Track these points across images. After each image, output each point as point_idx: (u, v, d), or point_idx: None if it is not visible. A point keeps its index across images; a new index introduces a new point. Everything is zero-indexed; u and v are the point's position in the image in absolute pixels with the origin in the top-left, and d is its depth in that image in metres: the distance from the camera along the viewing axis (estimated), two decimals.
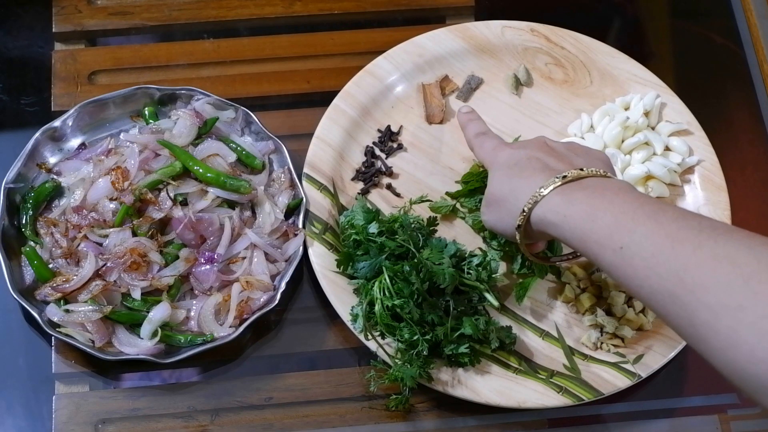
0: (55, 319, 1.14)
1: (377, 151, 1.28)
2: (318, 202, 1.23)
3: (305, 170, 1.24)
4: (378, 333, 1.15)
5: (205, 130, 1.24)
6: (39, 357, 1.17)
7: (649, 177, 1.25)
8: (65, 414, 1.15)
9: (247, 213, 1.22)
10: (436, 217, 1.21)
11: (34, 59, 1.35)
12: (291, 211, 1.23)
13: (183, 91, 1.27)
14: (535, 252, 1.14)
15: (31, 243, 1.19)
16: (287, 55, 1.36)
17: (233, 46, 1.37)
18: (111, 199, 1.18)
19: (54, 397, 1.16)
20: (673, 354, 1.17)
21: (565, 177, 1.02)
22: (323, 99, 1.30)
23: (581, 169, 1.03)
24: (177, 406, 1.16)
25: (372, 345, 1.15)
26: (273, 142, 1.25)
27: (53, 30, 1.36)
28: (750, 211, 1.30)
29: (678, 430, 1.19)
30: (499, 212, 1.08)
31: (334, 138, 1.27)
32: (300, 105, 1.33)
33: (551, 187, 1.01)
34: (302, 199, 1.22)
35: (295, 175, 1.23)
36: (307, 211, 1.21)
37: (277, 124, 1.28)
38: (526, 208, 1.03)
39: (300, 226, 1.20)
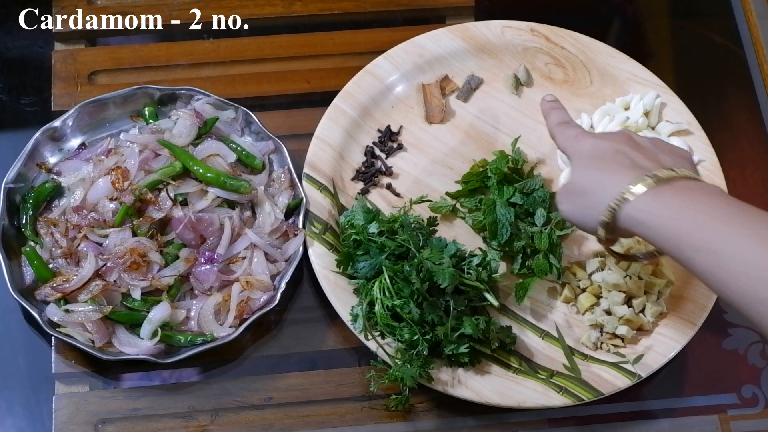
0: (55, 319, 1.14)
1: (377, 151, 1.28)
2: (318, 202, 1.23)
3: (305, 170, 1.24)
4: (378, 333, 1.15)
5: (205, 130, 1.24)
6: (39, 357, 1.17)
7: None
8: (65, 414, 1.15)
9: (247, 213, 1.22)
10: (436, 217, 1.21)
11: (34, 59, 1.35)
12: (291, 211, 1.23)
13: (183, 91, 1.27)
14: (612, 247, 1.12)
15: (31, 243, 1.19)
16: (287, 55, 1.36)
17: (233, 46, 1.37)
18: (111, 199, 1.18)
19: (54, 397, 1.16)
20: (673, 354, 1.17)
21: (656, 177, 0.99)
22: (323, 99, 1.30)
23: (672, 170, 1.00)
24: (177, 406, 1.16)
25: (372, 345, 1.15)
26: (273, 142, 1.25)
27: (53, 30, 1.36)
28: None
29: (678, 430, 1.19)
30: (581, 204, 1.05)
31: (334, 138, 1.27)
32: (300, 105, 1.33)
33: (642, 186, 0.98)
34: (302, 199, 1.22)
35: (295, 175, 1.23)
36: (307, 211, 1.21)
37: (277, 124, 1.28)
38: (613, 205, 1.00)
39: (300, 226, 1.20)
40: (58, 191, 1.22)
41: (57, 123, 1.24)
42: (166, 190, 1.19)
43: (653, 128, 1.29)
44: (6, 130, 1.32)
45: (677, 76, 1.37)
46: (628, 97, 1.30)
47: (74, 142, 1.26)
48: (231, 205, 1.21)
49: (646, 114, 1.29)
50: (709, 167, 1.27)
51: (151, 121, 1.25)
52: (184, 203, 1.19)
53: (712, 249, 0.92)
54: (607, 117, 1.28)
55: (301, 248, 1.19)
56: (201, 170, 1.19)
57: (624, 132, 1.08)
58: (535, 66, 1.34)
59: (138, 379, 1.17)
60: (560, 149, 1.12)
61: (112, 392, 1.17)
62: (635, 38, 1.44)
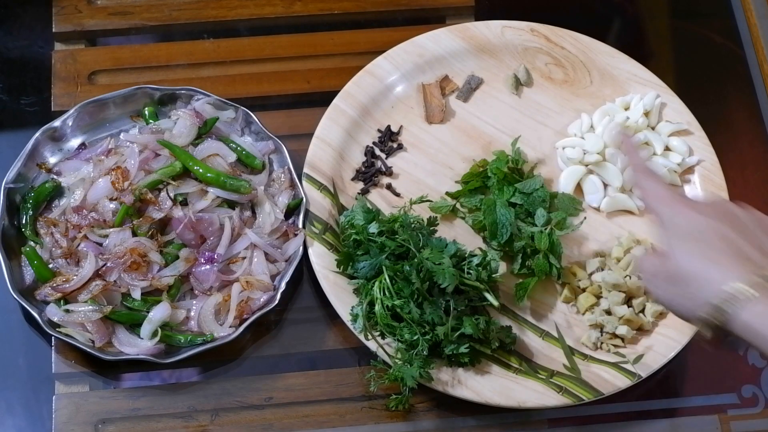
0: (55, 319, 1.14)
1: (377, 151, 1.28)
2: (318, 202, 1.23)
3: (305, 170, 1.24)
4: (378, 333, 1.15)
5: (205, 130, 1.24)
6: (39, 357, 1.17)
7: None
8: (65, 414, 1.15)
9: (247, 213, 1.22)
10: (436, 217, 1.21)
11: (34, 59, 1.35)
12: (291, 211, 1.23)
13: (183, 91, 1.27)
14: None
15: (31, 243, 1.19)
16: (287, 55, 1.36)
17: (233, 46, 1.37)
18: (111, 199, 1.18)
19: (54, 397, 1.16)
20: (673, 354, 1.17)
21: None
22: (323, 99, 1.30)
23: None
24: (177, 406, 1.16)
25: (372, 345, 1.15)
26: (273, 142, 1.25)
27: (53, 30, 1.36)
28: None
29: (678, 430, 1.19)
30: (678, 293, 0.93)
31: (334, 138, 1.27)
32: (300, 105, 1.33)
33: (753, 290, 0.86)
34: (302, 199, 1.22)
35: (295, 175, 1.23)
36: (307, 211, 1.21)
37: (277, 124, 1.28)
38: (719, 304, 0.88)
39: (300, 226, 1.20)
40: (58, 191, 1.22)
41: (57, 123, 1.24)
42: (166, 190, 1.19)
43: (653, 128, 1.29)
44: (6, 130, 1.32)
45: (677, 76, 1.37)
46: (628, 97, 1.30)
47: (74, 142, 1.26)
48: (231, 205, 1.21)
49: (646, 114, 1.29)
50: (709, 167, 1.27)
51: (151, 121, 1.25)
52: (184, 203, 1.19)
53: None
54: (607, 117, 1.28)
55: (301, 248, 1.19)
56: (201, 170, 1.19)
57: (723, 204, 0.96)
58: (535, 66, 1.34)
59: (138, 379, 1.17)
60: (647, 208, 1.01)
61: (112, 392, 1.17)
62: (635, 38, 1.44)
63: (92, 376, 1.17)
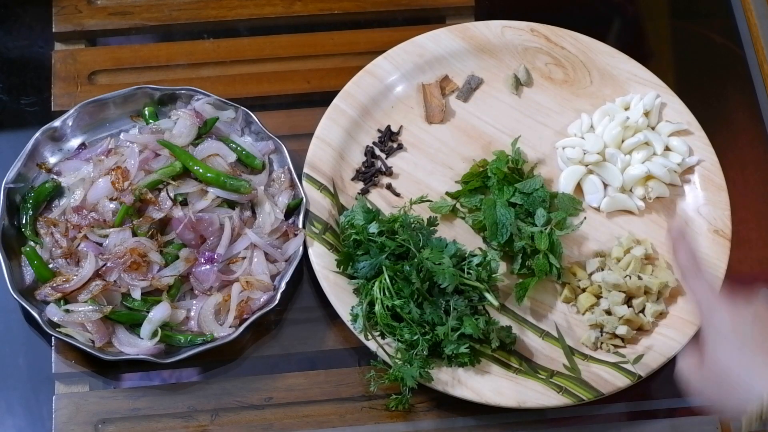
0: (55, 319, 1.14)
1: (377, 151, 1.28)
2: (318, 202, 1.23)
3: (305, 170, 1.24)
4: (378, 333, 1.15)
5: (205, 130, 1.24)
6: (39, 357, 1.17)
7: (649, 177, 1.26)
8: (65, 414, 1.15)
9: (247, 213, 1.22)
10: (436, 217, 1.21)
11: (34, 59, 1.35)
12: (291, 211, 1.23)
13: (183, 91, 1.27)
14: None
15: (31, 243, 1.19)
16: (287, 55, 1.36)
17: (233, 46, 1.37)
18: (111, 199, 1.18)
19: (54, 397, 1.16)
20: (673, 354, 1.17)
21: None
22: (323, 99, 1.30)
23: None
24: (177, 406, 1.16)
25: (372, 345, 1.15)
26: (273, 142, 1.25)
27: (53, 30, 1.36)
28: (750, 211, 1.30)
29: (678, 430, 1.18)
30: (724, 393, 0.93)
31: (334, 138, 1.27)
32: (300, 105, 1.33)
33: None
34: (302, 199, 1.22)
35: (295, 175, 1.23)
36: (307, 211, 1.21)
37: (277, 124, 1.28)
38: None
39: (300, 226, 1.20)
40: (58, 191, 1.22)
41: (57, 123, 1.24)
42: (166, 190, 1.19)
43: (653, 128, 1.29)
44: (6, 130, 1.32)
45: (677, 76, 1.37)
46: (628, 97, 1.30)
47: (74, 142, 1.26)
48: (231, 205, 1.21)
49: (646, 114, 1.29)
50: (709, 167, 1.27)
51: (151, 121, 1.25)
52: (184, 203, 1.19)
53: None
54: (607, 117, 1.28)
55: (301, 248, 1.19)
56: (201, 170, 1.19)
57: (763, 298, 0.96)
58: (535, 66, 1.34)
59: (138, 379, 1.17)
60: (692, 301, 1.01)
61: (112, 392, 1.17)
62: (635, 38, 1.44)
63: (92, 376, 1.17)
